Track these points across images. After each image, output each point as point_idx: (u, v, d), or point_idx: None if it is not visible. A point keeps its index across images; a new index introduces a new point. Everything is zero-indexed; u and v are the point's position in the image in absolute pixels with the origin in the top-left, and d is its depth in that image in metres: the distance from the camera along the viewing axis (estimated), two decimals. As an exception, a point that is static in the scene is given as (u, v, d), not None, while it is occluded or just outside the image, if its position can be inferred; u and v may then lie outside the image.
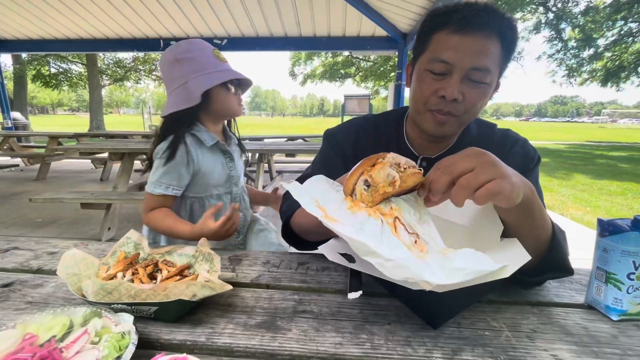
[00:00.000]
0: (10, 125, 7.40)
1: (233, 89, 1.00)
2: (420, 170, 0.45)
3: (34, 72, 16.50)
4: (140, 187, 3.25)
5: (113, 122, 26.18)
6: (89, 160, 5.85)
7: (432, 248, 0.43)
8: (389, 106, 6.13)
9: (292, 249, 0.77)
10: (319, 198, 0.45)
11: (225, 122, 1.13)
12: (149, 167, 0.99)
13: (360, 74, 17.84)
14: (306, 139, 5.75)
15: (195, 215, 1.01)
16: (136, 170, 3.72)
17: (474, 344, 0.44)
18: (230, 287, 0.48)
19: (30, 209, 3.45)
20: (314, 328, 0.47)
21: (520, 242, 0.45)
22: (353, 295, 0.51)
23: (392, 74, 15.34)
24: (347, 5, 4.90)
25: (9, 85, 14.76)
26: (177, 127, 0.96)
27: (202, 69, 0.94)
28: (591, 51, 14.00)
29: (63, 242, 0.76)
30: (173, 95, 0.96)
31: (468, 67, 0.60)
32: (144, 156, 4.03)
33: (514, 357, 0.42)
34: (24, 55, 14.37)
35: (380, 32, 5.66)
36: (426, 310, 0.49)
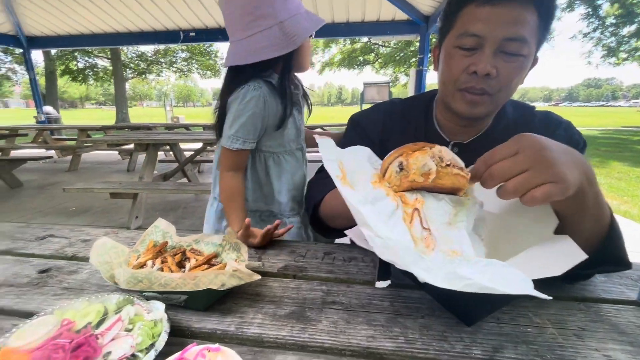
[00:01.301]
0: (43, 119, 7.79)
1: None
2: (467, 174, 0.42)
3: (62, 67, 17.20)
4: (165, 177, 3.34)
5: (137, 115, 27.02)
6: (117, 152, 6.07)
7: (440, 248, 0.40)
8: (410, 93, 5.95)
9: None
10: (347, 163, 0.43)
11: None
12: (220, 119, 0.92)
13: (379, 60, 17.40)
14: (325, 128, 5.70)
15: (271, 173, 0.96)
16: (160, 161, 3.83)
17: (516, 341, 0.41)
18: (258, 276, 0.47)
19: (64, 198, 3.64)
20: (344, 320, 0.46)
21: (572, 231, 0.42)
22: (381, 284, 0.49)
23: (413, 59, 14.88)
24: (366, -12, 4.75)
25: (41, 80, 15.46)
26: (253, 73, 0.86)
27: (295, 9, 0.84)
28: (633, 28, 12.92)
29: (95, 230, 0.78)
30: (260, 37, 0.82)
31: (501, 37, 0.55)
32: (167, 147, 4.13)
33: (562, 356, 0.39)
34: (53, 51, 14.97)
35: (401, 15, 5.46)
36: (459, 306, 0.46)
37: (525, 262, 0.40)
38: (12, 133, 5.11)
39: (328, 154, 0.43)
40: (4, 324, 0.45)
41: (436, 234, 0.40)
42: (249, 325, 0.45)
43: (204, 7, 5.61)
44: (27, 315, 0.47)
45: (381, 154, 0.77)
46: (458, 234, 0.41)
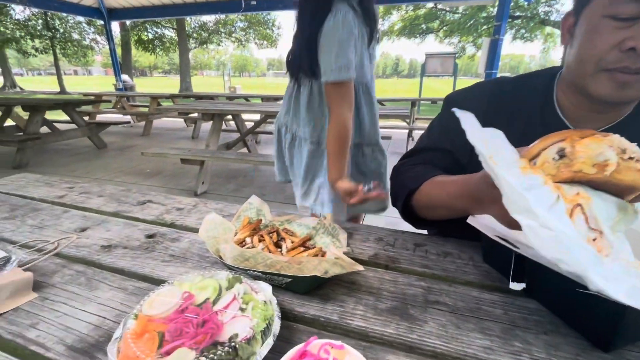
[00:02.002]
0: (121, 86, 8.56)
1: None
2: None
3: (135, 38, 18.56)
4: (228, 146, 3.51)
5: (198, 84, 28.50)
6: (182, 119, 6.50)
7: (617, 255, 0.33)
8: (481, 65, 5.38)
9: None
10: (491, 142, 0.37)
11: None
12: (309, 57, 0.89)
13: (444, 28, 15.93)
14: (383, 102, 5.47)
15: (363, 104, 0.98)
16: (223, 130, 4.01)
17: (677, 381, 0.35)
18: (361, 267, 0.45)
19: (141, 160, 4.03)
20: (453, 324, 0.42)
21: None
22: (516, 286, 0.44)
23: (485, 27, 13.39)
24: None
25: (118, 50, 16.91)
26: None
27: None
28: None
29: (186, 199, 0.83)
30: None
31: None
32: (229, 117, 4.30)
33: None
34: (128, 22, 16.13)
35: (480, -25, 4.84)
36: (593, 327, 0.40)
37: None
38: (97, 99, 5.70)
39: (472, 130, 0.38)
40: (126, 284, 0.49)
41: (610, 238, 0.33)
42: (351, 316, 0.43)
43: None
44: (143, 278, 0.51)
45: None
46: (619, 242, 0.34)
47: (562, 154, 0.34)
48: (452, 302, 0.46)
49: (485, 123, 0.69)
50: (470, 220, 0.47)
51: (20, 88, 20.86)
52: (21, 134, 3.98)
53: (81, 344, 0.38)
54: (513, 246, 0.42)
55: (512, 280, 0.45)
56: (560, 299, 0.43)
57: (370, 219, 2.48)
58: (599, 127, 0.59)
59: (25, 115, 4.11)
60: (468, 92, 0.73)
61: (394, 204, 0.73)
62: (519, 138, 0.65)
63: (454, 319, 0.43)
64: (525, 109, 0.65)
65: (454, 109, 0.40)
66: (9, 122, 4.57)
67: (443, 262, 0.56)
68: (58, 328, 0.41)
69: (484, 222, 0.46)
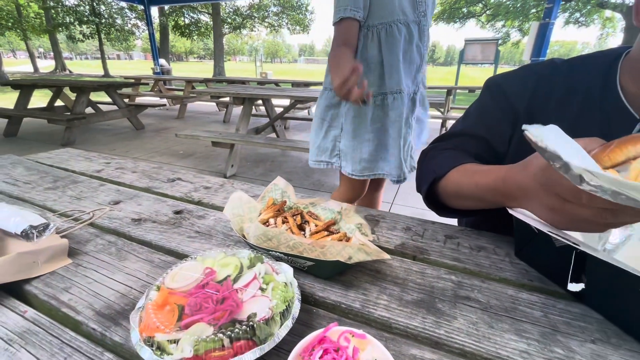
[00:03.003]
0: (158, 70, 8.88)
1: None
2: None
3: (173, 23, 19.11)
4: (257, 131, 3.55)
5: (231, 69, 28.98)
6: (214, 103, 6.65)
7: None
8: (526, 53, 4.99)
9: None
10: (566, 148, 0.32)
11: None
12: None
13: (488, 12, 14.93)
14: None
15: (383, 48, 0.97)
16: (253, 115, 4.06)
17: None
18: (387, 256, 0.43)
19: (174, 142, 4.19)
20: (485, 322, 0.39)
21: None
22: (574, 287, 0.40)
23: (534, 10, 12.40)
24: None
25: (156, 35, 17.54)
26: None
27: None
28: None
29: (214, 178, 0.84)
30: None
31: None
32: (259, 101, 4.33)
33: None
34: (166, 7, 16.59)
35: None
36: None
37: None
38: (137, 82, 5.96)
39: (551, 140, 0.32)
40: (152, 257, 0.51)
41: None
42: (374, 306, 0.42)
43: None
44: (169, 252, 0.52)
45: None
46: None
47: None
48: (484, 300, 0.43)
49: (531, 106, 0.63)
50: (512, 211, 0.43)
51: (69, 71, 22.29)
52: (69, 113, 4.26)
53: (108, 310, 0.39)
54: (563, 238, 0.38)
55: (571, 281, 0.41)
56: (620, 303, 0.39)
57: (394, 210, 2.43)
58: None
59: (72, 96, 4.39)
60: (513, 73, 0.67)
61: (418, 189, 0.69)
62: (573, 123, 0.58)
63: (487, 317, 0.40)
64: (580, 91, 0.58)
65: (525, 126, 0.35)
66: (59, 103, 4.90)
67: (476, 257, 0.53)
68: (88, 294, 0.42)
69: (529, 214, 0.42)
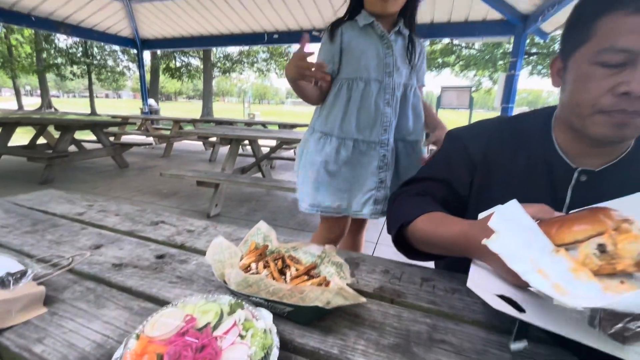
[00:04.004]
0: (147, 110, 9.01)
1: None
2: None
3: (164, 65, 19.78)
4: (243, 170, 3.58)
5: (219, 109, 29.66)
6: (201, 142, 6.73)
7: None
8: (497, 99, 5.41)
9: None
10: (525, 249, 0.38)
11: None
12: None
13: (460, 62, 16.27)
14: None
15: (351, 97, 1.09)
16: (240, 155, 4.12)
17: None
18: (363, 299, 0.45)
19: (159, 181, 4.15)
20: (458, 366, 0.40)
21: None
22: (517, 346, 0.42)
23: (501, 62, 13.60)
24: (457, -13, 4.45)
25: (147, 77, 18.06)
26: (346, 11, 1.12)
27: None
28: None
29: (198, 221, 0.85)
30: None
31: None
32: (247, 142, 4.42)
33: None
34: (158, 51, 17.27)
35: (493, 15, 5.01)
36: None
37: None
38: (124, 122, 6.01)
39: (512, 255, 0.38)
40: (132, 304, 0.50)
41: None
42: (352, 351, 0.42)
43: (288, 9, 5.88)
44: (150, 298, 0.52)
45: (482, 177, 0.69)
46: None
47: (603, 250, 0.35)
48: (457, 342, 0.45)
49: (487, 158, 0.70)
50: (470, 285, 0.46)
51: (55, 109, 22.27)
52: (51, 151, 4.21)
53: (83, 362, 0.39)
54: (517, 310, 0.41)
55: (515, 339, 0.42)
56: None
57: (379, 250, 2.44)
58: (599, 165, 0.59)
59: (56, 134, 4.37)
60: (470, 129, 0.75)
61: (389, 232, 0.73)
62: (523, 176, 0.66)
63: (459, 361, 0.41)
64: (525, 147, 0.66)
65: (484, 241, 0.41)
66: (41, 141, 4.85)
67: (450, 299, 0.55)
68: (63, 344, 0.41)
69: (478, 284, 0.46)
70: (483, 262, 0.51)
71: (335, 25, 1.09)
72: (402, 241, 0.69)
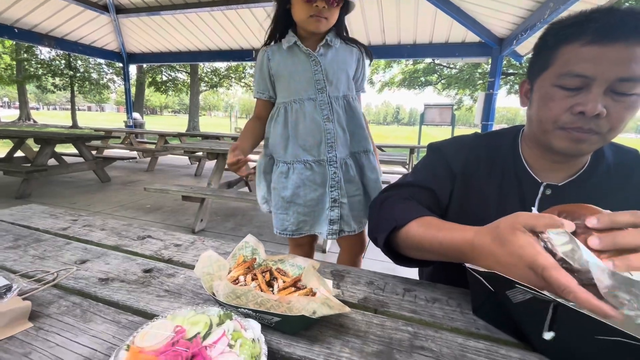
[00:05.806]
0: (131, 124, 8.90)
1: None
2: None
3: (150, 79, 19.67)
4: (229, 185, 3.57)
5: (205, 123, 29.53)
6: (186, 157, 6.67)
7: None
8: (477, 117, 5.64)
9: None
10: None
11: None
12: None
13: (442, 81, 16.91)
14: (383, 148, 5.64)
15: (288, 120, 1.11)
16: (226, 169, 4.10)
17: None
18: (348, 309, 0.47)
19: (142, 195, 4.07)
20: (437, 370, 0.43)
21: None
22: (550, 335, 0.42)
23: (481, 81, 14.20)
24: (437, 11, 4.69)
25: (132, 90, 17.89)
26: (269, 34, 1.14)
27: None
28: None
29: (185, 235, 0.85)
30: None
31: (613, 78, 0.51)
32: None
33: None
34: (144, 65, 17.22)
35: (472, 37, 5.28)
36: None
37: None
38: (107, 135, 5.92)
39: None
40: (119, 317, 0.51)
41: None
42: (337, 359, 0.44)
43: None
44: (137, 312, 0.53)
45: (462, 188, 0.73)
46: None
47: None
48: (437, 349, 0.47)
49: (466, 170, 0.75)
50: (469, 266, 0.49)
51: (34, 121, 21.66)
52: (29, 165, 4.08)
53: (71, 375, 0.39)
54: (530, 290, 0.41)
55: (548, 329, 0.42)
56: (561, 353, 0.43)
57: (366, 264, 2.45)
58: (561, 180, 0.65)
59: (35, 147, 4.25)
60: (450, 142, 0.80)
61: (371, 234, 0.72)
62: (497, 189, 0.71)
63: (438, 366, 0.44)
64: (498, 162, 0.72)
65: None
66: (18, 153, 4.70)
67: (431, 308, 0.58)
68: (49, 359, 0.42)
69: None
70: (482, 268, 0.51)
71: (262, 52, 1.12)
72: (389, 246, 0.67)
